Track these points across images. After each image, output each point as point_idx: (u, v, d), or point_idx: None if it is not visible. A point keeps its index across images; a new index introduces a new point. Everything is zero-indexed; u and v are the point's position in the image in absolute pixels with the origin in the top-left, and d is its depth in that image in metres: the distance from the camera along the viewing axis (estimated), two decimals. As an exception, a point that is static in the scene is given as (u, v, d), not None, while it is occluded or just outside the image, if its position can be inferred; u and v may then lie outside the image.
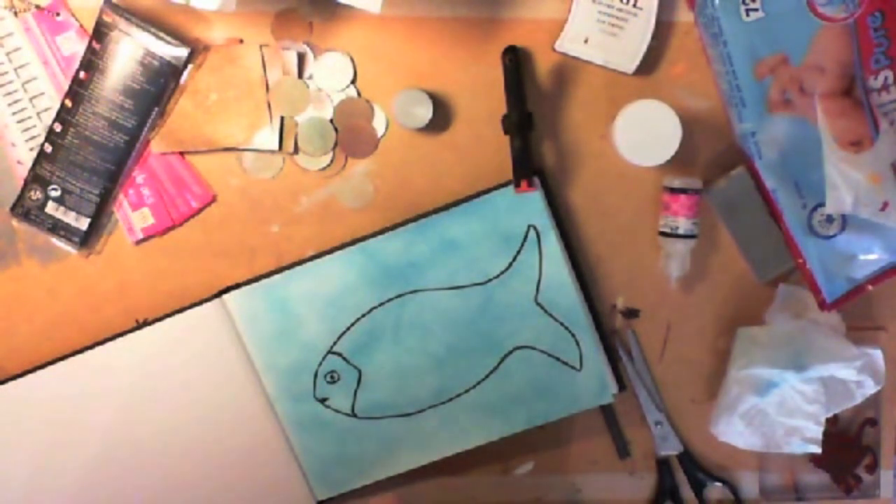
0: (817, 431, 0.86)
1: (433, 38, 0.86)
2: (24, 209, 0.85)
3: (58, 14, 0.84)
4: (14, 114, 0.85)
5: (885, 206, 0.81)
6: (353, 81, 0.86)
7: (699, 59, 0.86)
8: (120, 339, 0.85)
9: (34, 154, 0.84)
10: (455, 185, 0.87)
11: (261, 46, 0.85)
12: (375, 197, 0.87)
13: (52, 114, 0.84)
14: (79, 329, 0.87)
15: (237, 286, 0.85)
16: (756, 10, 0.81)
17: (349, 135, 0.86)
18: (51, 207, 0.85)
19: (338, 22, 0.85)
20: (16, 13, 0.84)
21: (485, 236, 0.85)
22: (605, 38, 0.84)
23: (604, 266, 0.89)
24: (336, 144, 0.86)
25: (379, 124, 0.86)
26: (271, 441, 0.86)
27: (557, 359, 0.86)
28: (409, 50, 0.86)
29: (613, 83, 0.86)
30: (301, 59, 0.85)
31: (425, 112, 0.84)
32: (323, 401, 0.86)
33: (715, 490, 0.92)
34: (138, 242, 0.87)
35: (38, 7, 0.83)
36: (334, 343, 0.86)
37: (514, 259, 0.85)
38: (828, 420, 0.87)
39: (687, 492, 0.92)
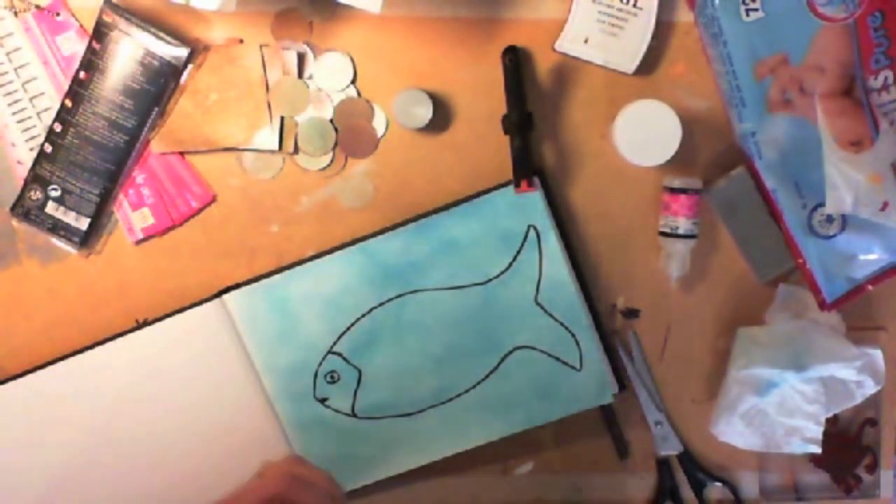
0: (817, 431, 0.86)
1: (433, 38, 0.86)
2: (24, 209, 0.85)
3: (58, 14, 0.84)
4: (14, 114, 0.85)
5: (885, 206, 0.81)
6: (353, 81, 0.86)
7: (699, 59, 0.86)
8: (120, 339, 0.85)
9: (34, 154, 0.84)
10: (455, 185, 0.87)
11: (261, 46, 0.85)
12: (375, 197, 0.87)
13: (52, 114, 0.84)
14: (79, 329, 0.87)
15: (237, 286, 0.85)
16: (756, 10, 0.81)
17: (349, 135, 0.86)
18: (51, 207, 0.85)
19: (338, 22, 0.85)
20: (16, 13, 0.83)
21: (485, 236, 0.85)
22: (605, 38, 0.84)
23: (604, 266, 0.89)
24: (336, 144, 0.86)
25: (379, 124, 0.86)
26: (271, 441, 0.86)
27: (557, 359, 0.86)
28: (409, 50, 0.86)
29: (613, 83, 0.86)
30: (301, 59, 0.85)
31: (425, 112, 0.84)
32: (323, 401, 0.86)
33: (715, 490, 0.92)
34: (138, 242, 0.87)
35: (38, 7, 0.83)
36: (334, 343, 0.85)
37: (514, 259, 0.85)
38: (828, 420, 0.87)
39: (687, 492, 0.92)
